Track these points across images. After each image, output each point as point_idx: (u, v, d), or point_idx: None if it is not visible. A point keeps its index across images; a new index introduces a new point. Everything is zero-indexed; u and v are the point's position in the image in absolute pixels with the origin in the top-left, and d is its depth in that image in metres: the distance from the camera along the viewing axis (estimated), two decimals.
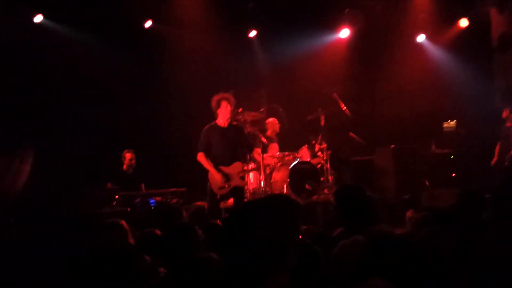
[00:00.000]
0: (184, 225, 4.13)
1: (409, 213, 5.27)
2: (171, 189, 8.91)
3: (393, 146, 10.21)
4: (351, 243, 3.41)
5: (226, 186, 8.14)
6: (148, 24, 11.19)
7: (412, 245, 2.96)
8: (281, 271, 2.45)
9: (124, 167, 9.77)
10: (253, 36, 11.91)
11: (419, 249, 3.05)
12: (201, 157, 8.21)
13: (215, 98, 8.29)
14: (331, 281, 3.25)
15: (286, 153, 10.07)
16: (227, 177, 8.15)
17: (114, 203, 8.53)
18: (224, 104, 8.22)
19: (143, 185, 9.57)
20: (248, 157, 9.14)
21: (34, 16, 10.34)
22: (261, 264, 2.44)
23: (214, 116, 8.35)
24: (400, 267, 2.78)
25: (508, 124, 9.68)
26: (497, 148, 9.80)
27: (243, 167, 8.37)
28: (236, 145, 8.39)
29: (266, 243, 2.45)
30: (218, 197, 8.23)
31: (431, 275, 2.90)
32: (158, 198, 8.68)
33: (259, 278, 2.40)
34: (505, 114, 9.66)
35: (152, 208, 8.46)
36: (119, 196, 8.70)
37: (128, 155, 9.77)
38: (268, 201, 2.67)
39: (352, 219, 4.01)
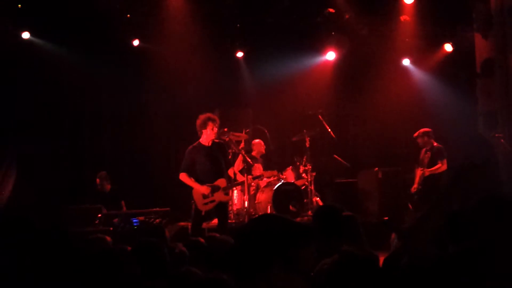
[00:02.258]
0: (149, 242, 4.14)
1: (392, 236, 5.27)
2: (154, 209, 8.86)
3: (376, 169, 10.24)
4: (331, 262, 3.43)
5: (211, 198, 8.10)
6: (136, 43, 11.22)
7: (377, 267, 2.99)
8: None
9: (98, 187, 9.72)
10: (240, 57, 11.97)
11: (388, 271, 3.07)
12: (183, 176, 8.18)
13: (202, 118, 8.28)
14: None
15: (270, 172, 10.09)
16: (212, 188, 8.13)
17: (96, 221, 8.47)
18: (210, 125, 8.22)
19: (123, 202, 9.55)
20: (233, 175, 9.15)
21: (21, 32, 10.34)
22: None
23: (198, 135, 8.34)
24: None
25: (423, 150, 9.80)
26: (417, 174, 9.87)
27: (227, 183, 8.36)
28: (220, 162, 8.38)
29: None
30: (203, 213, 8.20)
31: None
32: (141, 218, 8.62)
33: None
34: (420, 140, 9.82)
35: (135, 227, 8.40)
36: (101, 215, 8.65)
37: (97, 180, 9.70)
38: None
39: (329, 238, 4.03)
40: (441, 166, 9.69)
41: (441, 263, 3.17)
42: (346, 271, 2.87)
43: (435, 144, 9.81)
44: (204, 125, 8.22)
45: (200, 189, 8.09)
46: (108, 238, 4.63)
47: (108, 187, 9.73)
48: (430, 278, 3.00)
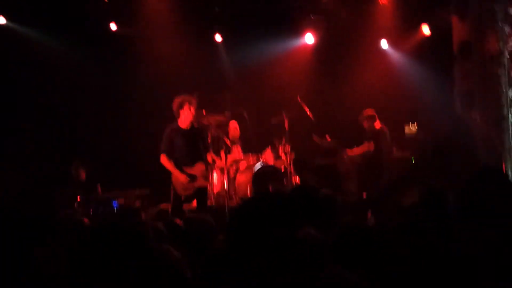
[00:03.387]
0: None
1: (369, 214, 5.34)
2: (134, 191, 8.85)
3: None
4: (302, 235, 3.48)
5: (190, 186, 8.12)
6: (113, 26, 11.12)
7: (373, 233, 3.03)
8: None
9: (74, 177, 9.66)
10: (219, 40, 11.93)
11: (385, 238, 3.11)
12: (164, 159, 8.17)
13: (177, 100, 8.26)
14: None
15: (250, 155, 10.11)
16: (191, 178, 8.12)
17: (75, 205, 8.45)
18: (186, 106, 8.20)
19: (99, 186, 9.49)
20: (211, 160, 9.14)
21: None
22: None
23: (175, 117, 8.31)
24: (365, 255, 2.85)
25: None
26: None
27: (206, 167, 8.36)
28: (199, 147, 8.38)
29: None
30: (182, 198, 8.20)
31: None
32: (121, 200, 8.62)
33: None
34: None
35: (115, 210, 8.40)
36: (80, 198, 8.62)
37: (73, 172, 9.59)
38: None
39: (305, 217, 4.08)
40: (365, 147, 10.07)
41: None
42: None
43: (377, 127, 10.02)
44: (181, 106, 8.20)
45: (179, 177, 8.08)
46: (86, 220, 4.60)
47: (83, 175, 9.63)
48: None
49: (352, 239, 2.97)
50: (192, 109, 8.22)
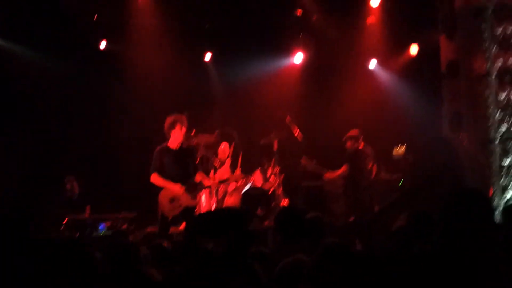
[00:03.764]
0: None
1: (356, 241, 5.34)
2: (121, 214, 8.82)
3: None
4: (293, 261, 3.48)
5: (178, 202, 8.09)
6: (102, 44, 11.12)
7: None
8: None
9: (68, 192, 9.63)
10: (208, 59, 11.94)
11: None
12: (154, 177, 8.17)
13: (169, 119, 8.28)
14: None
15: (239, 176, 10.10)
16: (187, 187, 8.12)
17: (61, 228, 8.40)
18: (178, 126, 8.22)
19: (88, 208, 9.46)
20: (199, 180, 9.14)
21: None
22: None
23: (166, 137, 8.32)
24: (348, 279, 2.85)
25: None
26: None
27: (194, 188, 8.37)
28: (188, 167, 8.38)
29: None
30: (169, 219, 8.17)
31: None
32: (108, 223, 8.58)
33: None
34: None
35: (101, 233, 8.36)
36: (67, 220, 8.58)
37: (68, 186, 9.60)
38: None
39: (291, 239, 4.11)
40: (342, 170, 10.05)
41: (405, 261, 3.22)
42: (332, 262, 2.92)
43: (361, 146, 10.06)
44: (172, 126, 8.22)
45: (173, 188, 8.07)
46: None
47: (76, 191, 9.64)
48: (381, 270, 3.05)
49: (332, 262, 2.97)
50: (183, 130, 8.25)
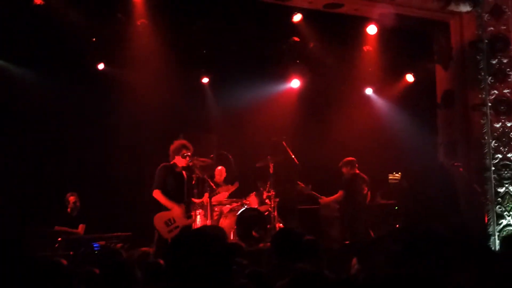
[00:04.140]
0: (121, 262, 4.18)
1: (354, 261, 5.33)
2: (115, 234, 8.78)
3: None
4: (284, 284, 3.48)
5: (174, 224, 8.11)
6: (101, 66, 11.17)
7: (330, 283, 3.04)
8: None
9: (68, 209, 9.65)
10: (206, 83, 12.02)
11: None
12: (157, 194, 8.20)
13: (176, 143, 8.46)
14: None
15: (234, 199, 10.11)
16: (186, 212, 8.19)
17: (56, 245, 8.35)
18: (183, 152, 8.37)
19: (82, 226, 9.46)
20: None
21: None
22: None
23: (166, 158, 8.40)
24: None
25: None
26: None
27: (189, 208, 8.43)
28: (184, 188, 8.47)
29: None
30: (169, 241, 8.15)
31: None
32: (102, 242, 8.53)
33: None
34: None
35: (95, 252, 8.29)
36: (62, 239, 8.54)
37: (71, 198, 9.70)
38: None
39: (287, 261, 4.10)
40: (337, 195, 10.19)
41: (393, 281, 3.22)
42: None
43: (356, 172, 10.19)
44: (178, 151, 8.38)
45: (174, 208, 8.10)
46: (64, 262, 4.56)
47: (78, 207, 9.69)
48: None
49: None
50: (187, 158, 8.36)
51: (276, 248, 4.47)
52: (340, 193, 10.04)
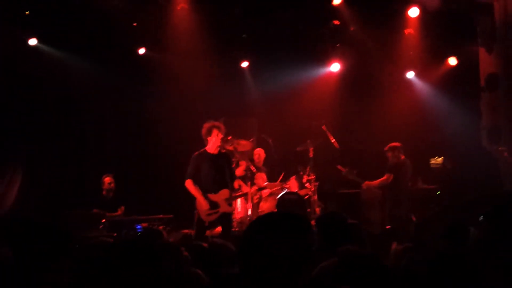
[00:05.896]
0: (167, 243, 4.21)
1: (393, 245, 5.31)
2: (158, 216, 8.91)
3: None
4: (329, 264, 3.48)
5: (214, 212, 8.16)
6: (141, 51, 11.28)
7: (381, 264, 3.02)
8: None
9: (104, 192, 9.78)
10: (245, 67, 12.03)
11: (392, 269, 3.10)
12: (189, 184, 8.22)
13: (206, 126, 8.35)
14: None
15: (274, 183, 10.15)
16: (214, 205, 8.17)
17: (101, 226, 8.52)
18: (215, 132, 8.28)
19: (122, 208, 9.61)
20: (237, 186, 9.23)
21: (29, 39, 10.39)
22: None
23: (203, 143, 8.40)
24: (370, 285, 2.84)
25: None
26: None
27: (230, 194, 8.39)
28: (225, 173, 8.44)
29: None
30: (206, 224, 8.24)
31: None
32: (145, 224, 8.66)
33: None
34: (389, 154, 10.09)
35: (138, 233, 8.43)
36: (105, 220, 8.71)
37: (106, 179, 9.82)
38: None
39: (332, 244, 4.09)
40: (383, 179, 9.98)
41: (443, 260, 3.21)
42: (350, 269, 2.91)
43: (402, 157, 10.01)
44: (209, 132, 8.29)
45: (201, 203, 8.13)
46: (112, 240, 4.67)
47: (114, 189, 9.82)
48: (432, 274, 3.03)
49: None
50: (220, 135, 8.30)
51: (321, 230, 4.46)
52: (386, 176, 9.92)
